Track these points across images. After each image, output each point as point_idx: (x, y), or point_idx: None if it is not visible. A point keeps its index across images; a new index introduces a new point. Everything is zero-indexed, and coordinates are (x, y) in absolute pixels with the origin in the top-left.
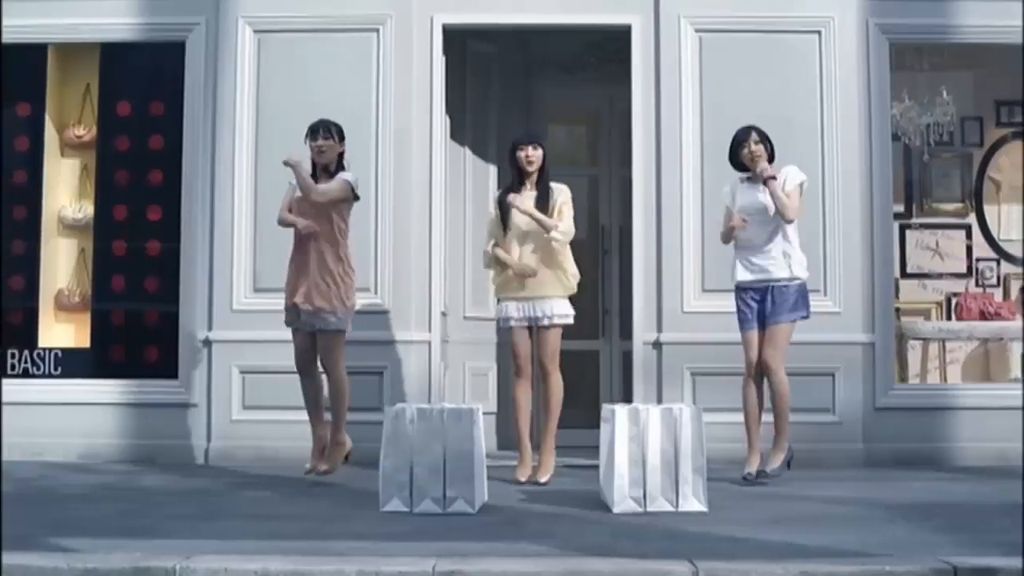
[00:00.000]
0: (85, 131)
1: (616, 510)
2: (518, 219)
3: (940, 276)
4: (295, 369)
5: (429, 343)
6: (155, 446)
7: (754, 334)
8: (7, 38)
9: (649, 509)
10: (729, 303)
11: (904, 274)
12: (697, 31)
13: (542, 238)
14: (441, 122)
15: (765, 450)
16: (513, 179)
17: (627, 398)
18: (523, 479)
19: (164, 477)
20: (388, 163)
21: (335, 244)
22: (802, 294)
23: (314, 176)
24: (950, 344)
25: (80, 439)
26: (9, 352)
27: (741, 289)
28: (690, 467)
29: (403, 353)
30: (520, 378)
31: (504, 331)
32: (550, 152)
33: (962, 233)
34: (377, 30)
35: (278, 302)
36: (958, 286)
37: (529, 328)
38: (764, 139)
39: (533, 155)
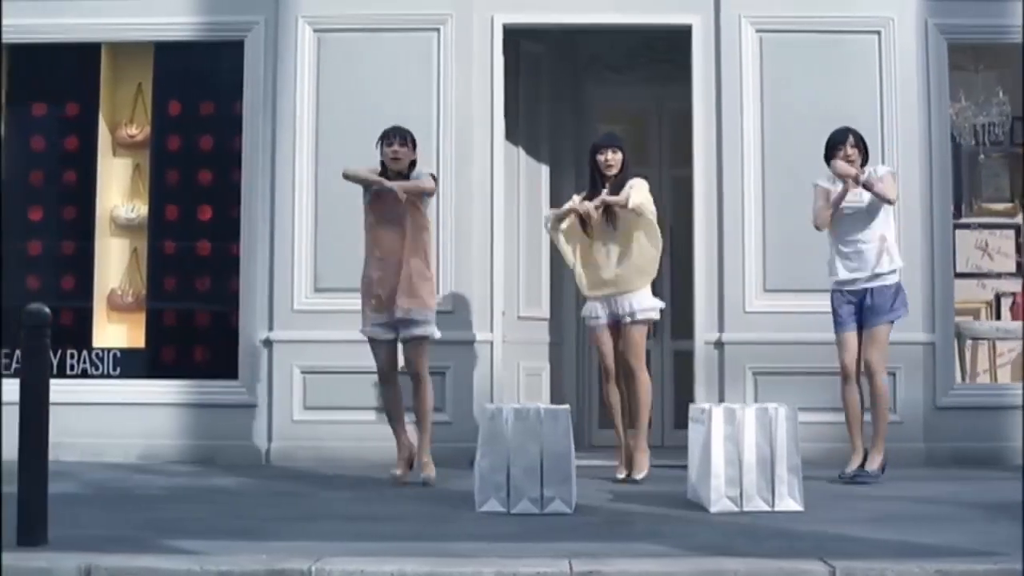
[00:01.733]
0: (137, 130)
1: (713, 509)
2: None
3: (989, 276)
4: (359, 370)
5: (491, 343)
6: (215, 447)
7: (852, 335)
8: (61, 37)
9: (745, 509)
10: (791, 303)
11: (955, 274)
12: (758, 31)
13: (623, 235)
14: (501, 122)
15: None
16: (593, 182)
17: (679, 398)
18: (621, 476)
19: (236, 478)
20: (449, 163)
21: (423, 242)
22: (899, 291)
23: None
24: (1000, 345)
25: (139, 440)
26: (68, 352)
27: (839, 288)
28: (785, 466)
29: (465, 353)
30: (607, 380)
31: (591, 330)
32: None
33: (1012, 233)
34: (438, 30)
35: (339, 302)
36: (1008, 286)
37: (616, 326)
38: (860, 142)
39: (612, 159)
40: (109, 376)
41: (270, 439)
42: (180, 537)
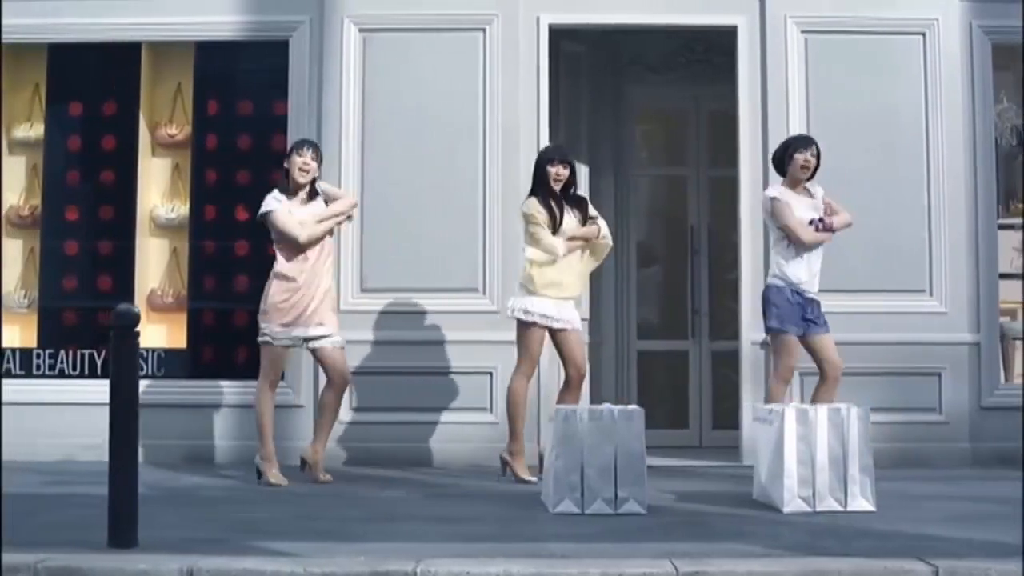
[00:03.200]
0: (177, 130)
1: (786, 510)
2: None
3: None
4: (406, 371)
5: None
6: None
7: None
8: (102, 36)
9: (818, 509)
10: (834, 303)
11: None
12: (803, 32)
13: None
14: (547, 122)
15: None
16: (541, 191)
17: (716, 398)
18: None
19: (290, 480)
20: (496, 163)
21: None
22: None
23: (285, 192)
24: None
25: (182, 441)
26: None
27: (794, 290)
28: (857, 466)
29: (512, 354)
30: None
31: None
32: (635, 152)
33: None
34: (484, 30)
35: (385, 302)
36: None
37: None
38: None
39: (563, 173)
40: (152, 376)
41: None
42: (266, 539)
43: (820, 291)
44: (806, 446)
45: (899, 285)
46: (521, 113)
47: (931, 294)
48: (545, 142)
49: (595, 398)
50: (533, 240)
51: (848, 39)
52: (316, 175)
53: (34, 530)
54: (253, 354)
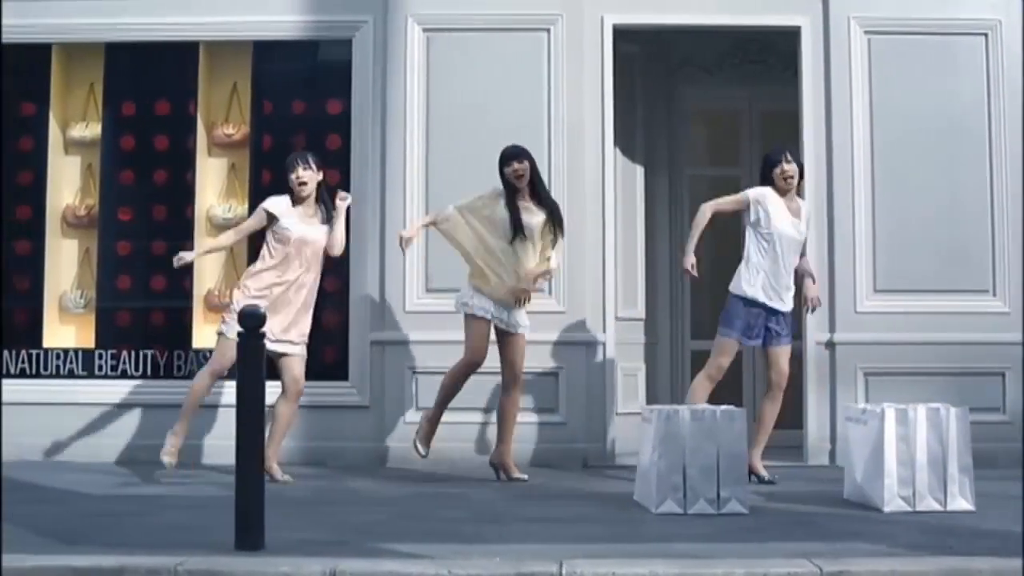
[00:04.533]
0: (234, 130)
1: (887, 509)
2: (529, 228)
3: None
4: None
5: (603, 344)
6: (326, 448)
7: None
8: (160, 36)
9: (918, 508)
10: (901, 303)
11: None
12: (866, 32)
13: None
14: (612, 123)
15: None
16: (508, 191)
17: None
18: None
19: (370, 481)
20: (561, 164)
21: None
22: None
23: (295, 204)
24: None
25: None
26: (175, 354)
27: (751, 303)
28: (957, 466)
29: (579, 354)
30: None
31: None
32: (689, 152)
33: None
34: (548, 30)
35: (451, 303)
36: None
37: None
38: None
39: (520, 168)
40: (225, 377)
41: (383, 441)
42: (385, 540)
43: (884, 291)
44: (906, 446)
45: (963, 285)
46: (586, 113)
47: (994, 294)
48: (610, 142)
49: (650, 398)
50: None
51: (911, 40)
52: (318, 181)
53: (142, 532)
54: (321, 355)
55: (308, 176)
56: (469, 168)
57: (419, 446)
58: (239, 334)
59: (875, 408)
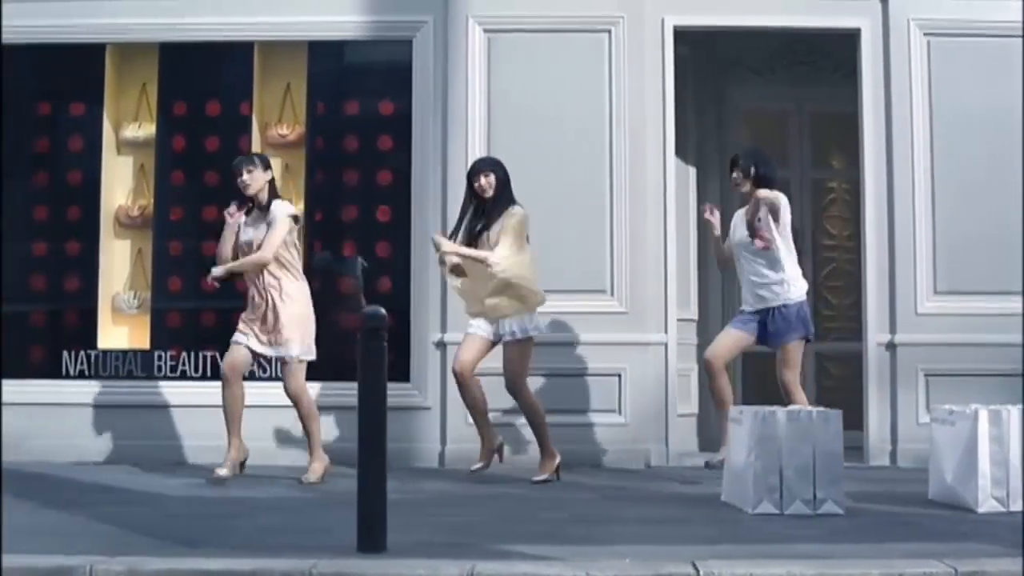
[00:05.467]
0: (288, 130)
1: (980, 510)
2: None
3: None
4: (532, 372)
5: (665, 345)
6: (398, 448)
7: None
8: (215, 36)
9: (1011, 509)
10: (962, 305)
11: None
12: (925, 35)
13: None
14: (674, 123)
15: None
16: (470, 204)
17: (821, 399)
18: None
19: (443, 483)
20: (622, 164)
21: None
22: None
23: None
24: None
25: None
26: None
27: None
28: None
29: (640, 355)
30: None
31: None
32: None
33: None
34: (609, 31)
35: None
36: None
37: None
38: (748, 165)
39: (486, 183)
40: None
41: (444, 442)
42: (501, 542)
43: (945, 292)
44: (999, 447)
45: (1018, 287)
46: (647, 114)
47: None
48: (671, 143)
49: (704, 398)
50: None
51: (970, 42)
52: (265, 179)
53: (246, 535)
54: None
55: (250, 179)
56: (530, 169)
57: (476, 463)
58: (360, 335)
59: (964, 409)
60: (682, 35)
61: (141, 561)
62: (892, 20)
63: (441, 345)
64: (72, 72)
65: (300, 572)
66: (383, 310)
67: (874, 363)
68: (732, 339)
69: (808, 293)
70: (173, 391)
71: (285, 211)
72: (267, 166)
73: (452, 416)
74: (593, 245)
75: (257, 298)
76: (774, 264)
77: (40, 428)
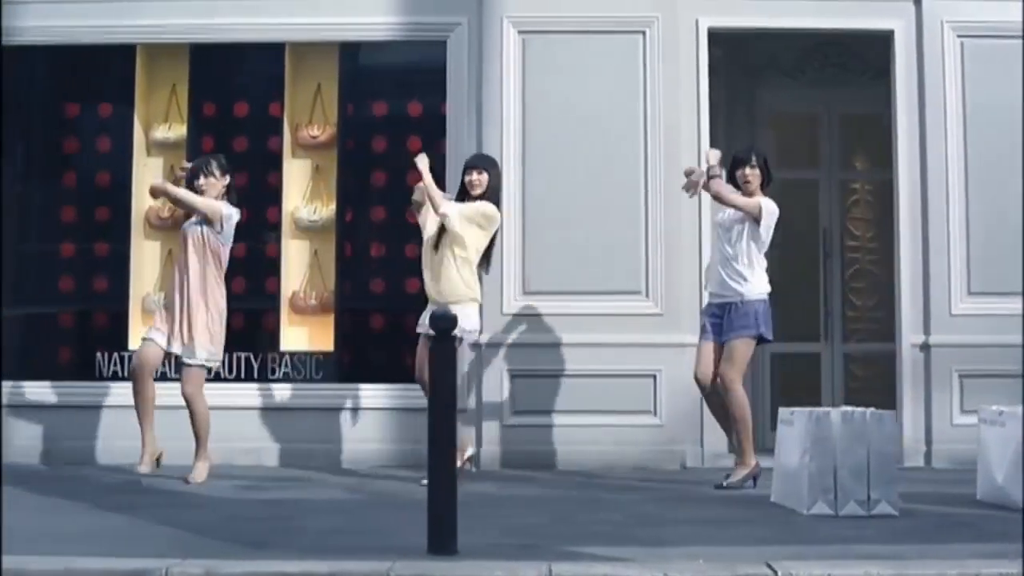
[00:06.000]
0: (319, 131)
1: None
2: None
3: None
4: (569, 373)
5: None
6: (423, 450)
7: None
8: (246, 37)
9: None
10: (996, 305)
11: None
12: (959, 36)
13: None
14: (708, 124)
15: None
16: (461, 199)
17: (848, 400)
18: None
19: (488, 485)
20: (657, 165)
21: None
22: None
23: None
24: None
25: (345, 444)
26: (269, 356)
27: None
28: None
29: (676, 356)
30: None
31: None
32: (768, 155)
33: None
34: (643, 32)
35: (548, 305)
36: None
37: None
38: (762, 163)
39: (478, 179)
40: (311, 380)
41: (480, 444)
42: (569, 544)
43: (978, 293)
44: None
45: None
46: (682, 115)
47: None
48: (706, 143)
49: None
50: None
51: (1004, 43)
52: (215, 192)
53: (310, 537)
54: (398, 356)
55: (206, 184)
56: (566, 169)
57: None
58: (431, 337)
59: (1014, 410)
60: (714, 37)
61: (217, 564)
62: (925, 22)
63: (477, 347)
64: (103, 73)
65: (378, 574)
66: (453, 311)
67: (908, 364)
68: (711, 352)
69: (769, 295)
70: (208, 392)
71: (234, 209)
72: (225, 172)
73: (488, 418)
74: (628, 246)
75: (177, 296)
76: (747, 256)
77: (74, 430)
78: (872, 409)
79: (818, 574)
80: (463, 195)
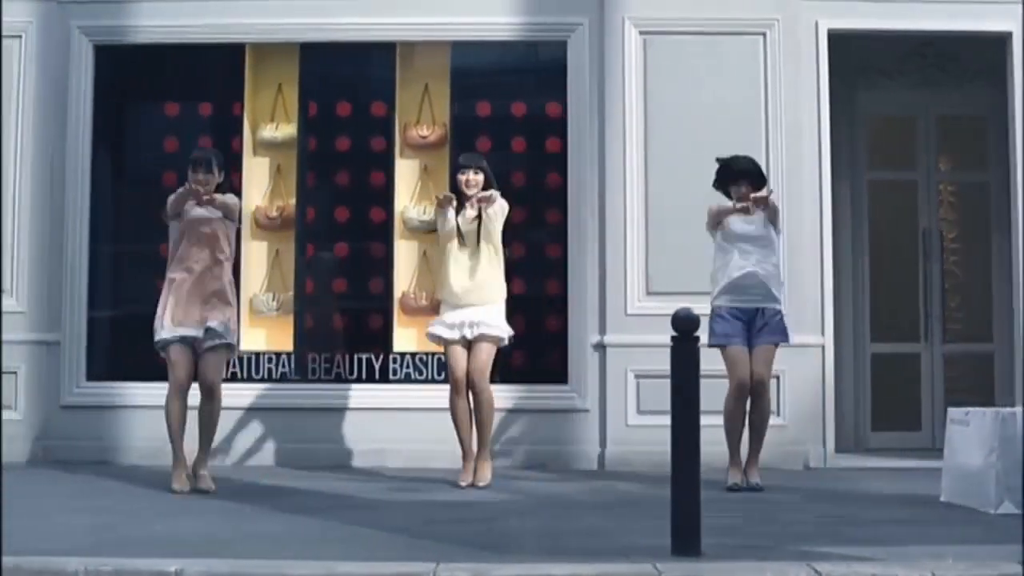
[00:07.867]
0: (428, 131)
1: None
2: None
3: None
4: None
5: (823, 347)
6: (544, 451)
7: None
8: (356, 37)
9: None
10: None
11: None
12: None
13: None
14: (829, 127)
15: None
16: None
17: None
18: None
19: (634, 484)
20: (779, 166)
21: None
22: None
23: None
24: None
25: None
26: (388, 357)
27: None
28: None
29: (799, 357)
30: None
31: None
32: (868, 156)
33: None
34: (764, 34)
35: (673, 305)
36: None
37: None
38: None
39: (473, 179)
40: (433, 381)
41: (603, 444)
42: (798, 544)
43: None
44: None
45: None
46: (803, 117)
47: None
48: (827, 146)
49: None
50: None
51: None
52: (216, 183)
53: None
54: (538, 358)
55: (206, 179)
56: (688, 170)
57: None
58: (672, 337)
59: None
60: None
61: (486, 568)
62: None
63: (600, 347)
64: (212, 72)
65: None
66: (693, 311)
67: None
68: (747, 354)
69: None
70: (327, 393)
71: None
72: (221, 168)
73: (612, 418)
74: None
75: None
76: (778, 261)
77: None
78: None
79: (984, 573)
80: (457, 196)
